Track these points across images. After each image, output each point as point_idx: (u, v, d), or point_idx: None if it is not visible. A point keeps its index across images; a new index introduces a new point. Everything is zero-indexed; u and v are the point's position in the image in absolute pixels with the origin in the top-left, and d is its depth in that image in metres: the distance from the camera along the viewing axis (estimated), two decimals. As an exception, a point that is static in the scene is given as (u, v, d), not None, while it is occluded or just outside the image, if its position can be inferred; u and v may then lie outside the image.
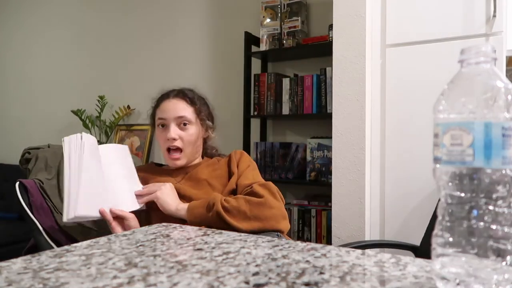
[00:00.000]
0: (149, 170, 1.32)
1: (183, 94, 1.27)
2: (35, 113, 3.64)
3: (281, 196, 1.14)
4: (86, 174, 1.03)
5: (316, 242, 2.13)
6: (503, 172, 0.32)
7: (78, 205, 0.99)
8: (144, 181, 1.24)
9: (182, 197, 1.18)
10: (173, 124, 1.22)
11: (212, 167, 1.28)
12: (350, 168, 1.69)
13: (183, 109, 1.24)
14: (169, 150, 1.24)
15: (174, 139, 1.21)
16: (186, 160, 1.25)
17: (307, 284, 0.41)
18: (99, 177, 1.08)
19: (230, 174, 1.25)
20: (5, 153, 3.69)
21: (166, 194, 1.13)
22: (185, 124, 1.23)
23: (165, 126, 1.24)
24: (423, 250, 1.35)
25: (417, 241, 1.41)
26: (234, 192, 1.20)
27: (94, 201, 1.04)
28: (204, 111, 1.30)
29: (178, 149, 1.23)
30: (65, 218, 0.99)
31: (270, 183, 1.14)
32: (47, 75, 3.58)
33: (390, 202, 1.66)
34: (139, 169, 1.30)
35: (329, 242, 2.07)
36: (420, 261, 0.49)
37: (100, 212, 1.05)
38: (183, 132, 1.23)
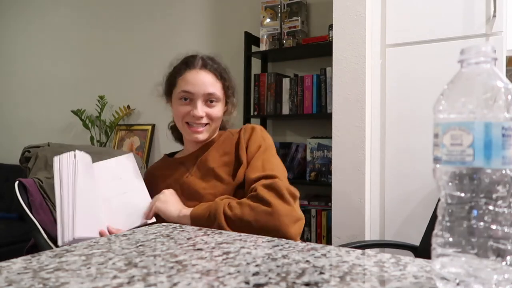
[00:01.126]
0: (163, 166, 1.26)
1: (210, 66, 1.16)
2: (35, 113, 3.64)
3: (292, 191, 1.00)
4: (81, 195, 0.98)
5: (316, 242, 2.13)
6: (503, 172, 0.32)
7: (76, 227, 0.94)
8: (161, 179, 1.20)
9: (191, 193, 1.13)
10: (200, 100, 1.12)
11: (222, 150, 1.18)
12: (350, 168, 1.69)
13: (212, 85, 1.14)
14: (188, 123, 1.16)
15: (201, 117, 1.13)
16: (208, 135, 1.17)
17: (307, 284, 0.41)
18: (94, 197, 1.03)
19: (238, 162, 1.14)
20: (6, 153, 3.69)
21: (166, 201, 1.07)
22: (212, 101, 1.14)
23: (188, 100, 1.14)
24: (422, 250, 1.35)
25: (417, 241, 1.41)
26: (243, 186, 1.11)
27: (91, 222, 1.00)
28: (231, 87, 1.21)
29: (202, 124, 1.15)
30: (60, 242, 0.94)
31: (276, 182, 1.00)
32: (47, 75, 3.58)
33: (390, 202, 1.66)
34: (154, 168, 1.26)
35: (329, 242, 2.07)
36: (420, 261, 0.49)
37: (101, 233, 1.00)
38: (210, 109, 1.14)
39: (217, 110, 1.16)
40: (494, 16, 1.48)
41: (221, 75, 1.17)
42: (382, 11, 1.70)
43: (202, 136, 1.16)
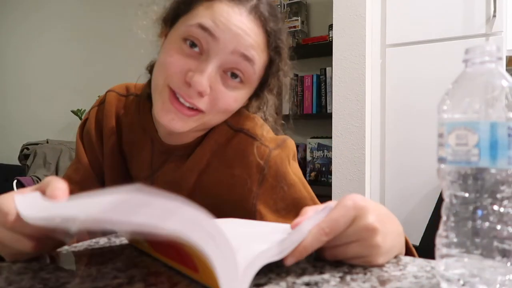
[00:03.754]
0: (139, 122, 0.78)
1: (264, 10, 0.64)
2: (35, 113, 3.63)
3: None
4: None
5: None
6: (509, 172, 0.32)
7: None
8: (136, 144, 0.75)
9: None
10: (217, 60, 0.61)
11: (231, 168, 0.69)
12: (350, 168, 1.69)
13: (255, 45, 0.62)
14: (174, 93, 0.62)
15: (200, 94, 0.60)
16: (194, 126, 0.64)
17: (307, 284, 0.41)
18: None
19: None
20: (5, 153, 3.68)
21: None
22: (235, 76, 0.63)
23: (198, 49, 0.62)
24: (422, 250, 1.35)
25: (416, 240, 1.41)
26: None
27: None
28: (280, 68, 0.74)
29: (194, 109, 0.62)
30: None
31: None
32: (46, 75, 3.58)
33: (389, 201, 1.66)
34: (120, 115, 0.80)
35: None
36: (420, 261, 0.49)
37: None
38: (225, 90, 0.62)
39: (235, 97, 0.64)
40: (494, 16, 1.48)
41: (277, 40, 0.67)
42: (382, 11, 1.70)
43: (181, 126, 0.62)
